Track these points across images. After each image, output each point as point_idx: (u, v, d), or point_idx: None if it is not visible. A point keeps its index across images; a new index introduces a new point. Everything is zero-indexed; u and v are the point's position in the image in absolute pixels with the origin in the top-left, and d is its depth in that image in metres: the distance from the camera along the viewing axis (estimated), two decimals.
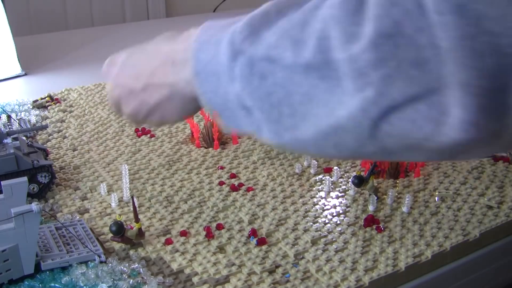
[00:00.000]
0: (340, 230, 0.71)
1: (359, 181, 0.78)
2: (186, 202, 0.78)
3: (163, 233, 0.70)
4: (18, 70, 1.38)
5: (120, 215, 0.74)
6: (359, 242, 0.69)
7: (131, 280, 0.61)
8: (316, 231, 0.71)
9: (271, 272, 0.63)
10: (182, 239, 0.69)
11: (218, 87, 0.44)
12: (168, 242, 0.68)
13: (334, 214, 0.75)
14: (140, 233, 0.68)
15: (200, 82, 0.45)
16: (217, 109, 0.45)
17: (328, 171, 0.87)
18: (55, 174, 0.82)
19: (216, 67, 0.44)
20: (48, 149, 0.92)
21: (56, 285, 0.60)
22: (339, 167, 0.87)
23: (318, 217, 0.74)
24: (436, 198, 0.79)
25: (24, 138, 0.87)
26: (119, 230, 0.66)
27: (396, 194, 0.80)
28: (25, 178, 0.62)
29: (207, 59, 0.45)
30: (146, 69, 0.54)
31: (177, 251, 0.67)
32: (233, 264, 0.64)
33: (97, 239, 0.68)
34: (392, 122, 0.36)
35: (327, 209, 0.76)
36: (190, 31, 0.51)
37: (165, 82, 0.52)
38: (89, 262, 0.63)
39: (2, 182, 0.61)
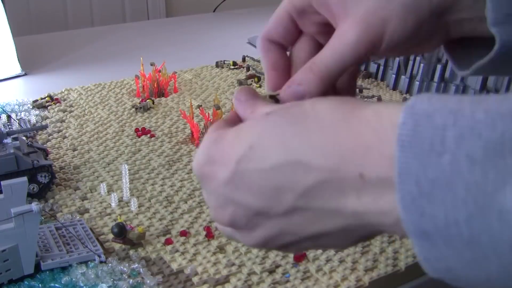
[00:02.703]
0: None
1: None
2: (186, 202, 0.78)
3: (163, 233, 0.70)
4: (18, 70, 1.38)
5: (120, 215, 0.74)
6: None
7: (131, 280, 0.61)
8: None
9: (271, 272, 0.63)
10: (182, 239, 0.69)
11: (479, 263, 0.25)
12: (168, 242, 0.68)
13: None
14: (141, 234, 0.68)
15: (431, 248, 0.26)
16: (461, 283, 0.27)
17: None
18: (55, 174, 0.82)
19: (483, 237, 0.25)
20: (48, 149, 0.92)
21: (56, 285, 0.60)
22: None
23: None
24: None
25: (24, 138, 0.87)
26: (120, 231, 0.67)
27: None
28: (25, 178, 0.62)
29: (454, 219, 0.25)
30: (292, 183, 0.31)
31: (177, 251, 0.67)
32: (233, 264, 0.64)
33: (97, 239, 0.68)
34: None
35: None
36: (380, 114, 0.29)
37: (340, 210, 0.30)
38: (89, 262, 0.63)
39: (2, 182, 0.61)
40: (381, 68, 1.31)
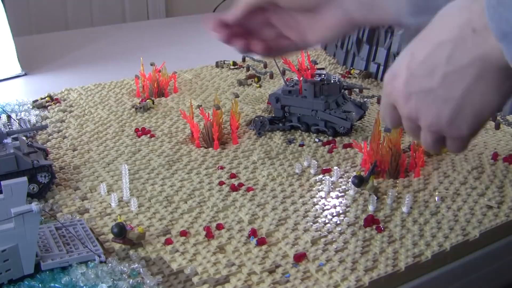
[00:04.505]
0: (340, 230, 0.71)
1: (359, 181, 0.78)
2: (186, 202, 0.78)
3: (163, 233, 0.70)
4: (18, 70, 1.38)
5: (120, 215, 0.74)
6: (359, 242, 0.69)
7: (131, 280, 0.61)
8: (316, 231, 0.71)
9: (271, 272, 0.63)
10: (182, 239, 0.69)
11: None
12: (168, 242, 0.68)
13: (334, 214, 0.75)
14: (141, 234, 0.68)
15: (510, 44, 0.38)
16: None
17: (328, 171, 0.87)
18: (55, 174, 0.82)
19: None
20: (48, 149, 0.92)
21: (56, 285, 0.60)
22: (339, 167, 0.87)
23: (318, 217, 0.74)
24: (436, 198, 0.79)
25: (24, 138, 0.87)
26: (120, 232, 0.67)
27: (396, 194, 0.80)
28: (25, 178, 0.62)
29: None
30: (439, 58, 0.44)
31: (177, 251, 0.67)
32: (233, 264, 0.64)
33: (97, 239, 0.68)
34: None
35: (327, 209, 0.76)
36: None
37: (470, 60, 0.43)
38: (89, 262, 0.63)
39: (2, 182, 0.61)
40: (381, 68, 1.31)
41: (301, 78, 1.01)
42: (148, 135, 1.00)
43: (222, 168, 0.88)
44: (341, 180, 0.84)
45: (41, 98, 1.16)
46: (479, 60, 0.42)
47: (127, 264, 0.63)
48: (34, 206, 0.57)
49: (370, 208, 0.76)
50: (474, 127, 0.47)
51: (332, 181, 0.83)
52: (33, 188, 0.77)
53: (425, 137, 0.50)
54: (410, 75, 0.47)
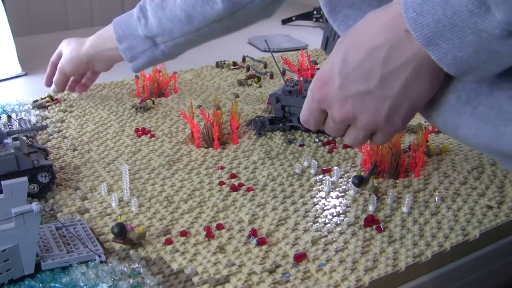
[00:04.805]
0: (340, 230, 0.71)
1: (359, 181, 0.78)
2: (186, 202, 0.78)
3: (163, 233, 0.70)
4: (18, 70, 1.38)
5: (120, 215, 0.74)
6: (359, 242, 0.69)
7: (131, 280, 0.61)
8: (316, 231, 0.71)
9: (271, 272, 0.63)
10: (182, 239, 0.69)
11: (462, 38, 0.40)
12: (168, 242, 0.68)
13: (334, 214, 0.75)
14: (142, 234, 0.68)
15: (436, 43, 0.42)
16: (465, 65, 0.42)
17: (328, 171, 0.87)
18: (55, 174, 0.82)
19: (453, 18, 0.40)
20: (48, 149, 0.92)
21: (56, 285, 0.60)
22: (339, 167, 0.87)
23: (318, 217, 0.74)
24: (436, 198, 0.79)
25: (24, 138, 0.87)
26: (121, 231, 0.67)
27: (396, 194, 0.80)
28: (25, 178, 0.62)
29: (437, 14, 0.40)
30: (375, 60, 0.47)
31: (177, 251, 0.67)
32: (233, 264, 0.64)
33: (97, 239, 0.68)
34: None
35: (327, 209, 0.76)
36: None
37: (406, 59, 0.45)
38: (89, 262, 0.63)
39: (2, 182, 0.61)
40: None
41: (301, 78, 1.01)
42: (148, 135, 1.00)
43: (222, 168, 0.88)
44: (341, 180, 0.84)
45: (41, 98, 1.16)
46: (414, 57, 0.45)
47: (127, 264, 0.63)
48: (35, 206, 0.57)
49: (370, 208, 0.76)
50: (408, 120, 0.50)
51: (332, 181, 0.83)
52: (34, 188, 0.77)
53: (357, 135, 0.53)
54: (345, 79, 0.49)
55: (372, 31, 0.47)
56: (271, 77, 1.34)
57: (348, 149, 0.95)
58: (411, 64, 0.45)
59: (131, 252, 0.66)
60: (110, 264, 0.63)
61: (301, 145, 0.96)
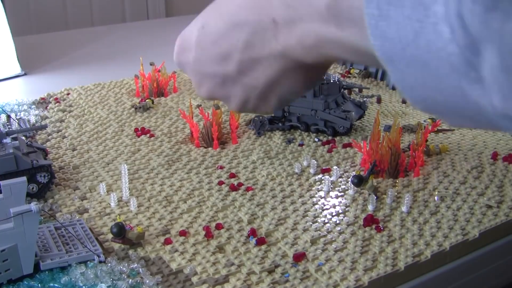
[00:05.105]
0: (340, 230, 0.71)
1: (359, 181, 0.78)
2: (185, 202, 0.78)
3: (162, 233, 0.70)
4: (18, 70, 1.38)
5: (119, 215, 0.74)
6: (359, 242, 0.69)
7: (130, 280, 0.61)
8: (315, 231, 0.71)
9: (270, 271, 0.63)
10: (181, 239, 0.69)
11: (433, 85, 0.28)
12: (168, 242, 0.68)
13: (334, 213, 0.75)
14: (141, 234, 0.68)
15: (398, 72, 0.29)
16: (434, 104, 0.29)
17: (327, 171, 0.87)
18: (55, 174, 0.82)
19: (428, 55, 0.26)
20: (47, 149, 0.92)
21: (55, 285, 0.60)
22: (338, 167, 0.87)
23: (318, 216, 0.74)
24: (436, 198, 0.79)
25: (23, 138, 0.87)
26: (120, 231, 0.67)
27: (396, 193, 0.80)
28: (24, 178, 0.62)
29: (406, 39, 0.27)
30: (235, 41, 0.38)
31: (176, 251, 0.67)
32: (233, 264, 0.64)
33: (96, 239, 0.68)
34: None
35: (327, 209, 0.76)
36: None
37: (270, 53, 0.37)
38: (88, 262, 0.63)
39: (1, 182, 0.61)
40: (381, 68, 1.31)
41: None
42: (148, 134, 1.00)
43: (221, 167, 0.88)
44: (340, 179, 0.84)
45: (41, 99, 1.16)
46: (281, 57, 0.37)
47: (126, 264, 0.63)
48: (34, 206, 0.57)
49: (370, 207, 0.76)
50: (280, 107, 0.44)
51: (331, 180, 0.83)
52: (33, 188, 0.77)
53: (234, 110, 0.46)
54: (200, 53, 0.41)
55: (240, 1, 0.38)
56: None
57: (348, 148, 0.95)
58: (278, 63, 0.38)
59: (130, 252, 0.66)
60: (109, 264, 0.63)
61: (301, 145, 0.96)
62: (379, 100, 1.16)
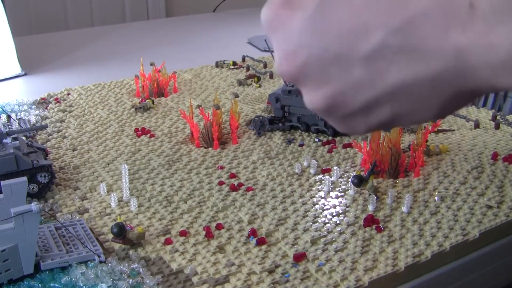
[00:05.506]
0: (340, 230, 0.71)
1: (359, 181, 0.78)
2: (185, 202, 0.78)
3: (162, 233, 0.70)
4: (18, 70, 1.38)
5: (119, 215, 0.74)
6: (359, 242, 0.69)
7: (131, 280, 0.61)
8: (315, 231, 0.71)
9: (270, 272, 0.63)
10: (181, 239, 0.69)
11: None
12: (168, 242, 0.68)
13: (334, 214, 0.75)
14: (141, 234, 0.68)
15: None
16: None
17: (327, 171, 0.87)
18: (55, 174, 0.82)
19: None
20: (47, 149, 0.92)
21: (56, 285, 0.60)
22: (338, 167, 0.87)
23: (318, 217, 0.74)
24: (436, 198, 0.79)
25: (23, 138, 0.87)
26: (120, 231, 0.67)
27: (396, 194, 0.80)
28: (24, 178, 0.62)
29: None
30: (392, 13, 0.27)
31: (176, 251, 0.67)
32: (233, 264, 0.64)
33: (97, 239, 0.68)
34: None
35: (327, 209, 0.76)
36: None
37: (440, 47, 0.26)
38: (88, 262, 0.63)
39: (2, 182, 0.61)
40: None
41: None
42: (148, 135, 1.00)
43: (221, 168, 0.88)
44: (340, 180, 0.84)
45: (42, 99, 1.16)
46: (455, 54, 0.26)
47: (126, 264, 0.63)
48: (34, 206, 0.57)
49: (370, 208, 0.76)
50: (382, 130, 0.33)
51: (331, 181, 0.83)
52: (33, 188, 0.77)
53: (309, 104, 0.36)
54: (322, 13, 0.30)
55: None
56: (271, 77, 1.34)
57: (348, 149, 0.95)
58: (436, 65, 0.26)
59: (131, 252, 0.66)
60: (109, 264, 0.63)
61: (301, 145, 0.96)
62: None
